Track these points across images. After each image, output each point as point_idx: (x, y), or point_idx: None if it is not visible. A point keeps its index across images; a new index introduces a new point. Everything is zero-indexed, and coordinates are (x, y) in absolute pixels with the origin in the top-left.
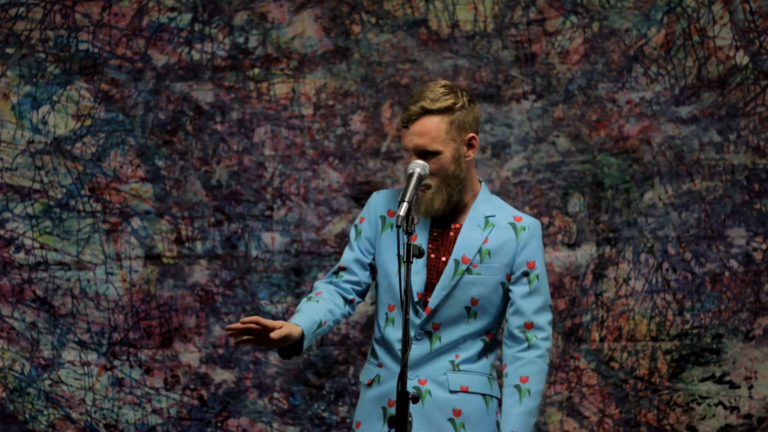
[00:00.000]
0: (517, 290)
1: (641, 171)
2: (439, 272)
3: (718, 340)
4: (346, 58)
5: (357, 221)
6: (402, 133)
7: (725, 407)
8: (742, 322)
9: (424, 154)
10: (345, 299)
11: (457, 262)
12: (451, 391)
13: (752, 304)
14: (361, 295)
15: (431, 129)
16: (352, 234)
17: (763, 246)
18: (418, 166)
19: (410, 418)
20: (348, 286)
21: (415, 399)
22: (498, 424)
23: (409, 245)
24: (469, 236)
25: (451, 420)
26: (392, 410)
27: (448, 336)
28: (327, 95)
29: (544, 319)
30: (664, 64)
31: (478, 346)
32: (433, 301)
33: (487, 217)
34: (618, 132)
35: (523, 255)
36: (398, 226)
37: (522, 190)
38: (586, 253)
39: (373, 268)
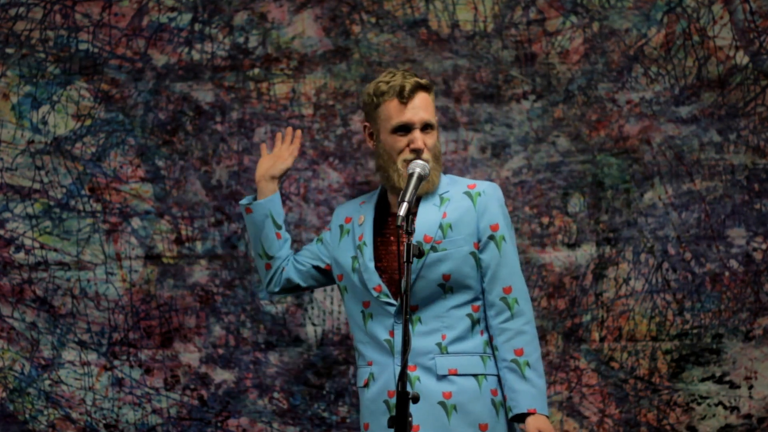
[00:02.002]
0: (488, 256)
1: (641, 171)
2: (398, 259)
3: (718, 340)
4: (346, 58)
5: (324, 231)
6: (394, 110)
7: (725, 407)
8: (742, 322)
9: (426, 127)
10: (286, 261)
11: (420, 244)
12: (439, 376)
13: (752, 304)
14: (291, 277)
15: (429, 104)
16: (315, 239)
17: (763, 246)
18: (418, 166)
19: (410, 418)
20: (295, 261)
21: (416, 399)
22: (494, 402)
23: (409, 245)
24: (427, 216)
25: (441, 403)
26: (393, 401)
27: (427, 316)
28: (327, 95)
29: (521, 281)
30: (664, 64)
31: (465, 323)
32: (403, 285)
33: (441, 194)
34: (618, 132)
35: (484, 220)
36: (398, 226)
37: (522, 190)
38: (586, 253)
39: (309, 271)
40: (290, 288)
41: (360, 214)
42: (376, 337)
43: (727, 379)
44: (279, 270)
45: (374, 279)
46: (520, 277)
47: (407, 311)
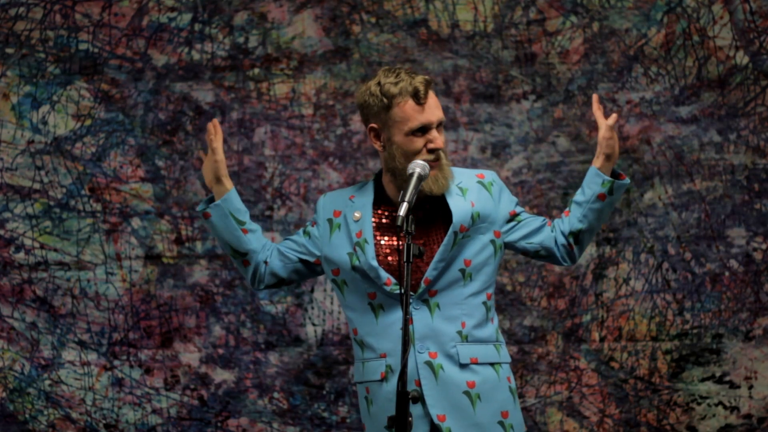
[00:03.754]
0: (520, 230)
1: (641, 171)
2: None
3: (718, 340)
4: (346, 58)
5: (309, 222)
6: (411, 111)
7: (725, 407)
8: (742, 322)
9: (440, 125)
10: (265, 252)
11: (456, 234)
12: (462, 365)
13: (752, 304)
14: (276, 271)
15: (437, 101)
16: (300, 231)
17: (763, 246)
18: (418, 166)
19: (410, 419)
20: (280, 254)
21: (415, 399)
22: (510, 389)
23: (409, 245)
24: (460, 206)
25: (466, 393)
26: (420, 389)
27: (445, 301)
28: (327, 95)
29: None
30: (664, 64)
31: (481, 311)
32: (430, 272)
33: (458, 184)
34: (618, 132)
35: (501, 209)
36: (398, 226)
37: (522, 190)
38: (586, 253)
39: (295, 263)
40: (274, 284)
41: (354, 210)
42: (391, 329)
43: (727, 379)
44: (261, 264)
45: (382, 275)
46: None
47: (407, 311)
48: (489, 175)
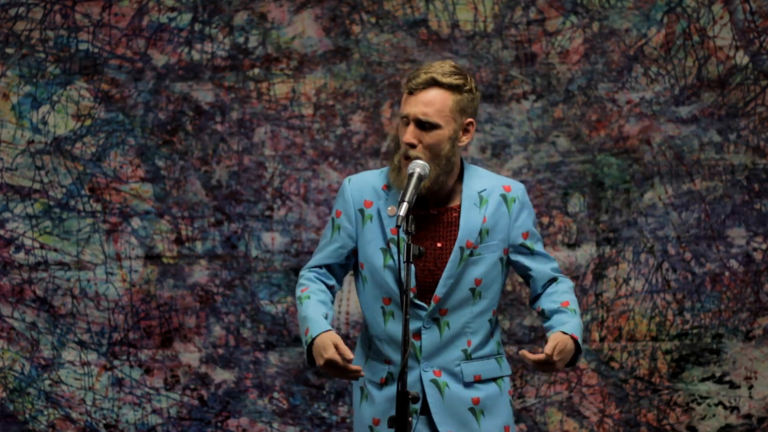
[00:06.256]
0: (526, 261)
1: (641, 171)
2: (432, 258)
3: (718, 340)
4: (346, 58)
5: (334, 214)
6: (404, 100)
7: (725, 407)
8: (742, 322)
9: (423, 125)
10: (328, 286)
11: (462, 249)
12: (466, 383)
13: (752, 304)
14: (340, 282)
15: (437, 101)
16: (329, 228)
17: (763, 246)
18: (418, 166)
19: (410, 419)
20: (330, 275)
21: (415, 399)
22: (510, 403)
23: (409, 246)
24: (469, 219)
25: (471, 409)
26: (416, 407)
27: (455, 321)
28: (327, 95)
29: (558, 268)
30: (664, 64)
31: (486, 329)
32: (440, 289)
33: (480, 192)
34: (618, 132)
35: (516, 228)
36: (398, 226)
37: None
38: (586, 253)
39: (350, 260)
40: (341, 281)
41: (389, 204)
42: (396, 339)
43: (727, 379)
44: (331, 295)
45: (412, 280)
46: (555, 262)
47: (407, 311)
48: (515, 189)
